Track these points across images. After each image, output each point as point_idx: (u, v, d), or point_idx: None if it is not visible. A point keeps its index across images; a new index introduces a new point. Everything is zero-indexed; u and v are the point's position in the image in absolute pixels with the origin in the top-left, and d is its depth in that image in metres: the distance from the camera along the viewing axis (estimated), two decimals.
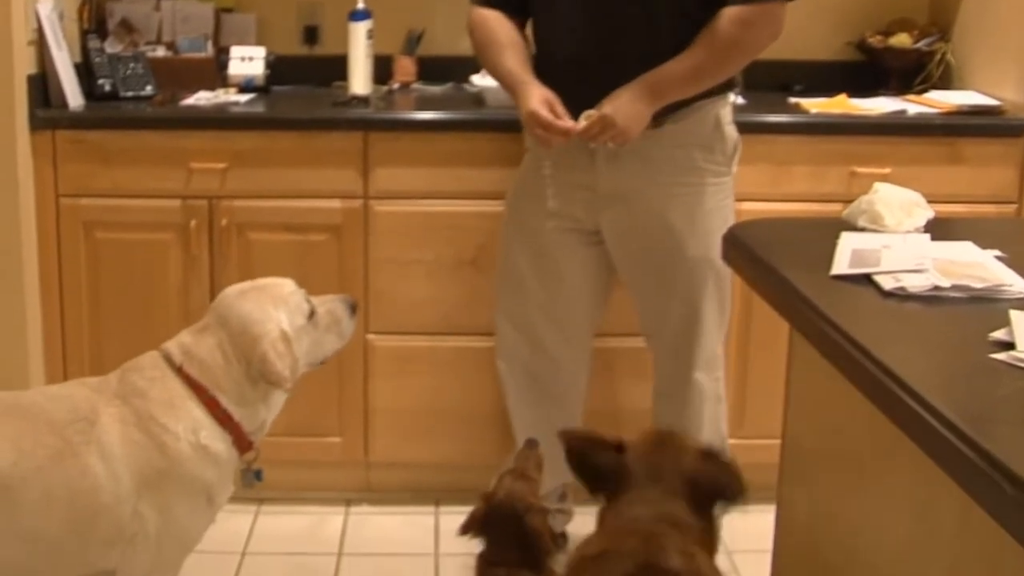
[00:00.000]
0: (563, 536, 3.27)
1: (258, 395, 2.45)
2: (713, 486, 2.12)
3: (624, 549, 1.97)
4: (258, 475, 2.53)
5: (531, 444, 2.72)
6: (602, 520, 2.14)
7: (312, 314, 2.53)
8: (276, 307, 2.46)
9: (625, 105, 2.78)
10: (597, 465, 2.18)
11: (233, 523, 3.42)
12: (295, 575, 3.25)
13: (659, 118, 2.87)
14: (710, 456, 2.18)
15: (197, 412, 2.39)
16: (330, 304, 2.60)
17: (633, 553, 1.96)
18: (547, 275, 3.09)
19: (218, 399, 2.41)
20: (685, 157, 2.95)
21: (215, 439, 2.40)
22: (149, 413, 2.36)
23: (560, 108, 2.83)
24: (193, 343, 2.45)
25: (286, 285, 2.53)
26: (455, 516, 3.44)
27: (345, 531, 3.48)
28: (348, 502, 3.63)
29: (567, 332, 3.17)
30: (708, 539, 2.11)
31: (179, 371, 2.41)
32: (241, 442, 2.45)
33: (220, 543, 3.15)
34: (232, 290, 2.52)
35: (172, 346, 2.46)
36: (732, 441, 3.25)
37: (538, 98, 2.84)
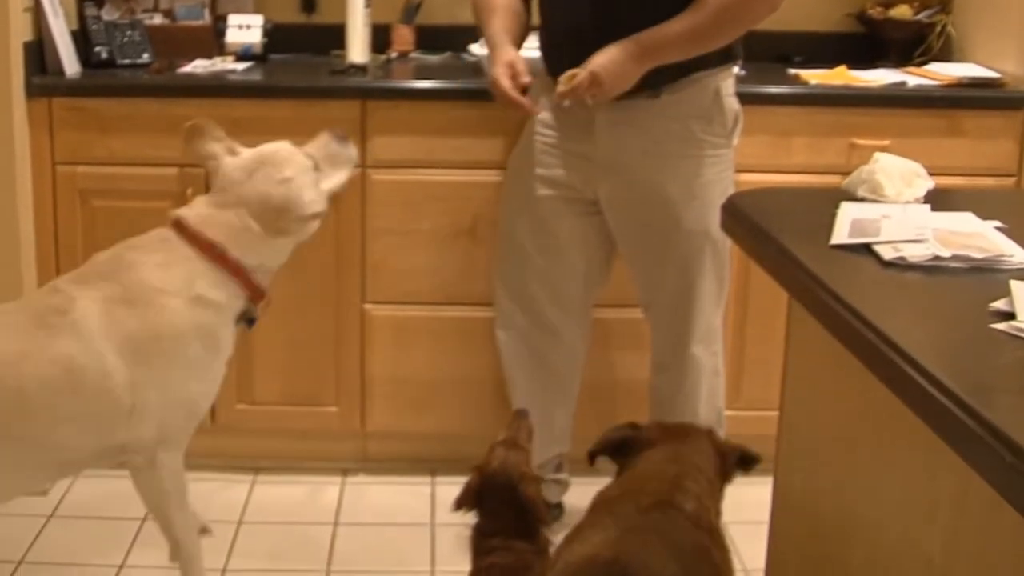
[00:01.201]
0: (559, 507, 3.28)
1: (275, 248, 2.61)
2: (734, 450, 2.25)
3: (646, 489, 2.04)
4: (251, 322, 2.64)
5: (521, 414, 2.71)
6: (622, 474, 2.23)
7: (316, 165, 2.66)
8: (287, 168, 2.59)
9: (614, 63, 2.77)
10: (626, 437, 2.27)
11: (229, 493, 3.43)
12: (291, 545, 3.24)
13: (657, 87, 2.87)
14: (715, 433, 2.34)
15: (195, 266, 2.48)
16: (322, 147, 2.74)
17: (654, 492, 2.02)
18: (545, 244, 3.09)
19: (227, 253, 2.51)
20: (683, 128, 2.94)
21: (211, 288, 2.49)
22: (137, 280, 2.44)
23: (521, 67, 2.88)
24: (209, 212, 2.56)
25: (283, 149, 2.65)
26: (452, 486, 3.44)
27: (341, 501, 3.48)
28: (344, 472, 3.63)
29: (565, 302, 3.16)
30: (717, 507, 2.17)
31: (194, 236, 2.51)
32: (254, 292, 2.57)
33: (216, 512, 3.17)
34: (238, 171, 2.61)
35: (187, 213, 2.57)
36: (729, 413, 3.26)
37: (502, 63, 2.89)
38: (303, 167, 2.63)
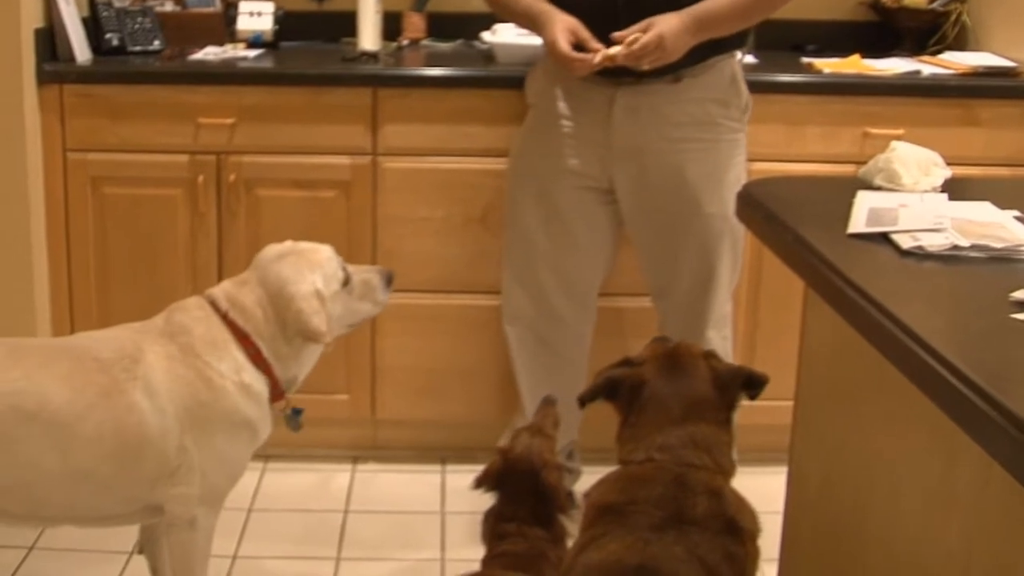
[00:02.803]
0: (570, 495, 3.27)
1: (291, 352, 2.55)
2: (737, 375, 2.15)
3: (651, 498, 1.96)
4: (298, 412, 2.66)
5: (549, 401, 2.70)
6: (622, 443, 2.13)
7: (347, 281, 2.61)
8: (312, 270, 2.54)
9: (675, 31, 2.74)
10: (613, 378, 2.18)
11: (240, 480, 3.42)
12: (301, 532, 3.25)
13: (678, 71, 2.86)
14: (715, 355, 2.22)
15: (238, 354, 2.49)
16: (366, 274, 2.69)
17: (660, 502, 1.95)
18: (559, 234, 3.08)
19: (260, 347, 2.51)
20: (702, 112, 2.94)
21: (255, 380, 2.51)
22: (194, 350, 2.46)
23: (585, 32, 2.79)
24: (237, 293, 2.54)
25: (323, 251, 2.60)
26: (461, 474, 3.47)
27: (351, 488, 3.49)
28: (355, 459, 3.63)
29: (575, 291, 3.15)
30: (730, 447, 2.12)
31: (224, 317, 2.51)
32: (275, 389, 2.56)
33: (227, 499, 3.15)
34: (271, 252, 2.59)
35: (218, 292, 2.56)
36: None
37: (561, 28, 2.81)
38: (331, 275, 2.57)
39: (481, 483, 2.55)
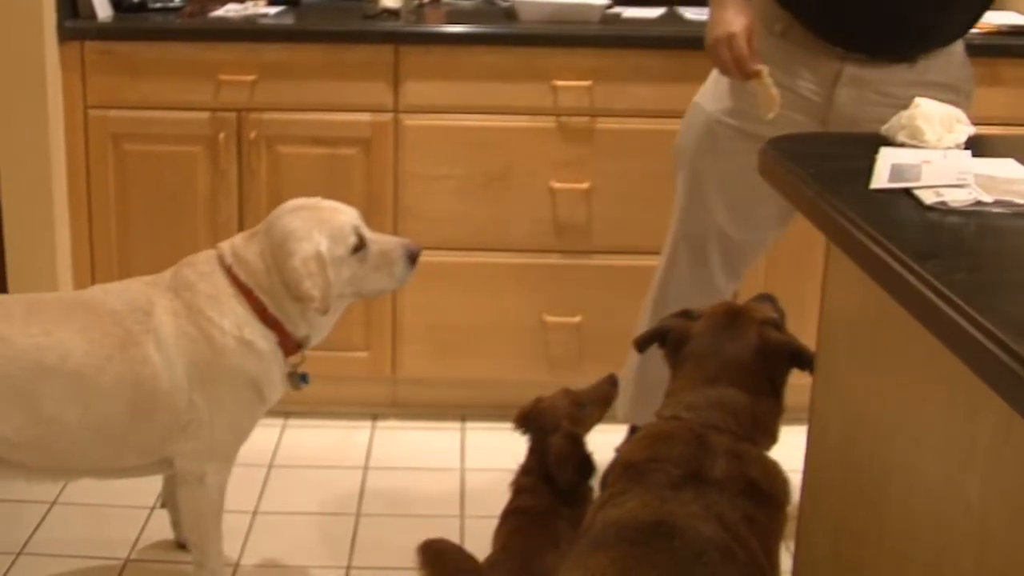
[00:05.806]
0: (587, 461, 3.24)
1: (296, 309, 2.51)
2: (783, 347, 2.14)
3: (671, 456, 1.97)
4: (304, 378, 2.62)
5: (611, 381, 2.68)
6: (665, 396, 2.15)
7: (359, 248, 2.52)
8: (320, 230, 2.47)
9: None
10: (663, 328, 2.20)
11: (260, 437, 3.40)
12: (321, 488, 3.26)
13: (912, 54, 2.67)
14: (776, 324, 2.20)
15: (240, 309, 2.48)
16: (387, 245, 2.59)
17: (679, 461, 1.96)
18: (746, 232, 2.87)
19: (264, 302, 2.49)
20: (933, 98, 2.74)
21: (258, 336, 2.49)
22: (197, 306, 2.46)
23: (756, 44, 2.58)
24: (243, 246, 2.53)
25: (342, 212, 2.54)
26: (481, 432, 3.49)
27: (371, 446, 3.51)
28: (375, 417, 3.65)
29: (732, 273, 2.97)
30: (769, 417, 2.11)
31: (228, 271, 2.50)
32: (287, 344, 2.53)
33: (247, 456, 3.16)
34: (290, 203, 2.56)
35: (225, 246, 2.55)
36: None
37: (743, 26, 2.57)
38: (340, 238, 2.48)
39: (515, 423, 2.59)
